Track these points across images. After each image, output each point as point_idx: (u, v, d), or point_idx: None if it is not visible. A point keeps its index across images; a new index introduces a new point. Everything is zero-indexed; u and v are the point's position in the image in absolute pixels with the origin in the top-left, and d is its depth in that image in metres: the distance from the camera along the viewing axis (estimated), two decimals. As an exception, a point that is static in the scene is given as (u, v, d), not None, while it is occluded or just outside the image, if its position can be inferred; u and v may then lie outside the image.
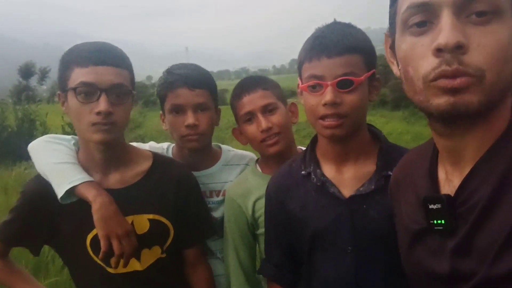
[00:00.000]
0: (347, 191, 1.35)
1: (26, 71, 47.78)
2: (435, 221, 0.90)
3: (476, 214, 0.83)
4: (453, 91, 0.78)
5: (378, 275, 1.33)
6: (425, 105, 0.84)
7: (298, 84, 1.41)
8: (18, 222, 1.57)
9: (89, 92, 1.41)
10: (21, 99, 25.51)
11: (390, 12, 0.94)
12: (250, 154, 1.98)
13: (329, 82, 1.27)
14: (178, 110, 1.77)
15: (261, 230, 1.69)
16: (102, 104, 1.40)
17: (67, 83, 1.44)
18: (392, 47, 0.96)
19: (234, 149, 2.03)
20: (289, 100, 1.86)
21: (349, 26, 1.38)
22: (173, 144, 1.97)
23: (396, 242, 1.24)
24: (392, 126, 17.96)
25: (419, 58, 0.82)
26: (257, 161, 1.87)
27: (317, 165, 1.42)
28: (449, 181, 0.92)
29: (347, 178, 1.38)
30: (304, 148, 1.77)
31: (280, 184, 1.52)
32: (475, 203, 0.84)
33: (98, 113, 1.40)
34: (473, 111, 0.79)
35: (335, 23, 1.39)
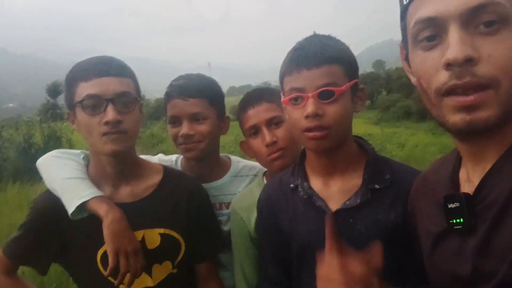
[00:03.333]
0: (334, 205, 1.33)
1: (54, 90, 49.00)
2: (454, 220, 0.91)
3: (495, 212, 0.82)
4: (468, 108, 0.79)
5: None
6: (442, 121, 0.86)
7: (282, 100, 1.39)
8: (27, 238, 1.55)
9: (95, 104, 1.42)
10: (48, 116, 26.16)
11: (401, 25, 0.96)
12: (260, 165, 1.93)
13: (310, 94, 1.25)
14: (175, 120, 1.77)
15: None
16: (109, 114, 1.41)
17: (73, 99, 1.46)
18: (407, 59, 0.97)
19: (244, 160, 2.01)
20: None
21: (328, 37, 1.36)
22: (182, 156, 1.96)
23: (385, 256, 1.20)
24: (418, 138, 17.65)
25: (430, 72, 0.84)
26: (264, 173, 1.85)
27: (305, 178, 1.41)
28: (470, 181, 0.93)
29: (334, 191, 1.36)
30: None
31: (270, 197, 1.50)
32: (494, 201, 0.84)
33: (107, 123, 1.41)
34: (491, 125, 0.80)
35: (315, 36, 1.37)
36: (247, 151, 1.81)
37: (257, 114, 1.68)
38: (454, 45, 0.78)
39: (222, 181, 1.90)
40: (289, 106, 1.32)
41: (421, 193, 1.12)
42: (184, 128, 1.74)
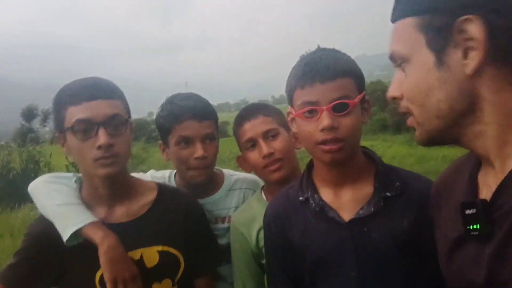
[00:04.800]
0: (346, 215, 1.33)
1: (29, 114, 48.25)
2: (471, 227, 0.91)
3: (511, 219, 0.83)
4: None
5: None
6: None
7: (289, 113, 1.42)
8: (24, 265, 1.53)
9: (86, 128, 1.42)
10: (26, 141, 25.66)
11: None
12: (253, 177, 1.95)
13: (324, 107, 1.27)
14: (187, 141, 1.76)
15: None
16: (101, 138, 1.41)
17: (63, 124, 1.45)
18: None
19: (237, 173, 2.02)
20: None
21: (335, 51, 1.39)
22: (175, 171, 1.95)
23: (400, 264, 1.28)
24: (395, 149, 17.93)
25: None
26: (262, 188, 1.84)
27: (315, 190, 1.40)
28: (488, 186, 0.93)
29: (346, 202, 1.36)
30: None
31: (278, 211, 1.49)
32: (511, 208, 0.84)
33: (99, 147, 1.41)
34: (424, 142, 0.99)
35: (321, 49, 1.39)
36: (243, 165, 1.83)
37: (253, 127, 1.70)
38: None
39: (217, 195, 1.90)
40: (301, 119, 1.33)
41: (441, 197, 1.12)
42: (200, 150, 1.74)
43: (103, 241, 1.41)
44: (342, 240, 1.31)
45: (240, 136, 1.74)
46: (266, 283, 1.74)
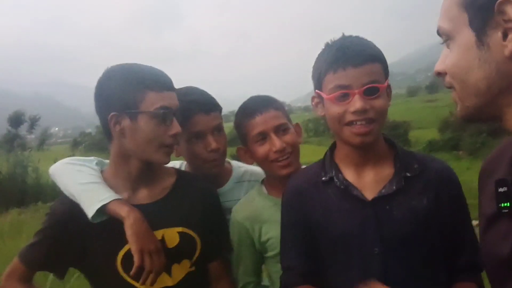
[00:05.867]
0: (369, 194, 1.40)
1: (16, 120, 47.72)
2: (502, 204, 0.93)
3: None
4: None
5: (407, 276, 1.35)
6: None
7: (314, 97, 1.50)
8: (45, 244, 1.56)
9: (166, 115, 1.50)
10: (14, 146, 25.36)
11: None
12: (261, 170, 1.91)
13: (356, 91, 1.33)
14: (198, 136, 1.78)
15: (270, 253, 1.71)
16: (177, 127, 1.53)
17: (138, 105, 1.49)
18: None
19: (244, 165, 2.00)
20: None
21: (361, 38, 1.45)
22: (185, 162, 1.96)
23: (421, 241, 1.36)
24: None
25: None
26: (262, 181, 1.85)
27: (338, 170, 1.46)
28: None
29: (368, 182, 1.43)
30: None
31: (300, 189, 1.53)
32: None
33: (173, 135, 1.53)
34: (466, 117, 1.00)
35: (350, 36, 1.45)
36: (243, 157, 1.82)
37: (266, 120, 1.69)
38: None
39: (226, 187, 1.92)
40: (332, 102, 1.38)
41: (486, 177, 1.12)
42: (213, 143, 1.76)
43: (129, 215, 1.45)
44: (365, 218, 1.38)
45: (249, 128, 1.71)
46: (268, 276, 1.82)
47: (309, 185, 1.52)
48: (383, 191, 1.39)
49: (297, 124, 1.83)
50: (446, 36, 0.96)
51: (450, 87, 0.98)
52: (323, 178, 1.47)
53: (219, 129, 1.82)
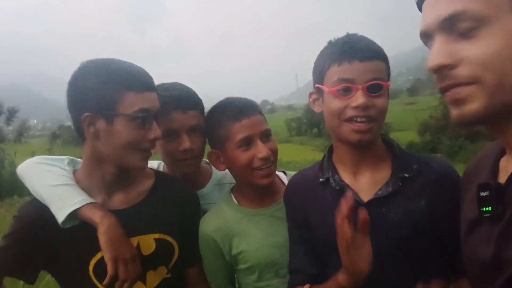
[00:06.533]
0: (365, 196, 1.37)
1: (-7, 112, 46.70)
2: (484, 208, 0.93)
3: None
4: (455, 102, 0.88)
5: (400, 279, 1.32)
6: (450, 116, 0.92)
7: (312, 93, 1.46)
8: (13, 249, 1.48)
9: (145, 118, 1.41)
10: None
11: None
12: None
13: (360, 86, 1.31)
14: (171, 134, 1.70)
15: (241, 266, 1.65)
16: (157, 131, 1.45)
17: (115, 106, 1.38)
18: None
19: None
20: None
21: (366, 36, 1.42)
22: (163, 163, 1.90)
23: (415, 244, 1.31)
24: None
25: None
26: (232, 189, 1.76)
27: (335, 172, 1.45)
28: (506, 171, 0.95)
29: (364, 183, 1.40)
30: (280, 173, 1.80)
31: (300, 188, 1.53)
32: None
33: (153, 140, 1.45)
34: (480, 117, 0.87)
35: (354, 34, 1.42)
36: (215, 162, 1.69)
37: (253, 125, 1.58)
38: (431, 55, 0.89)
39: (205, 190, 1.86)
40: (333, 96, 1.34)
41: (468, 181, 1.12)
42: (186, 142, 1.69)
43: (103, 221, 1.37)
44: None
45: (233, 132, 1.57)
46: (237, 285, 1.76)
47: (307, 186, 1.50)
48: (379, 192, 1.36)
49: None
50: (474, 21, 0.84)
51: (466, 81, 0.85)
52: (320, 179, 1.46)
53: (195, 129, 1.73)
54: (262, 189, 1.63)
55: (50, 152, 11.62)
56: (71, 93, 1.44)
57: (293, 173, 1.79)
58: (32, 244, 1.47)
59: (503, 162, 0.99)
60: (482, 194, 0.94)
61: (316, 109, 1.46)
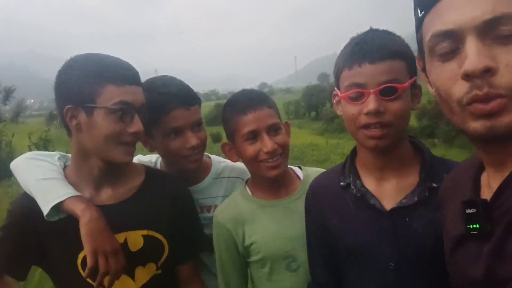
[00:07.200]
0: (388, 204, 1.29)
1: (-11, 92, 46.40)
2: (471, 226, 0.90)
3: (509, 217, 0.82)
4: (488, 115, 0.80)
5: None
6: (463, 128, 0.86)
7: (334, 95, 1.38)
8: (5, 243, 1.51)
9: (125, 111, 1.41)
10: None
11: (417, 37, 0.97)
12: (242, 165, 1.81)
13: (371, 90, 1.21)
14: (177, 132, 1.68)
15: (253, 257, 1.65)
16: (138, 125, 1.43)
17: (95, 98, 1.39)
18: (424, 70, 0.98)
19: (225, 160, 1.93)
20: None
21: (388, 32, 1.32)
22: (161, 157, 1.89)
23: (439, 257, 1.20)
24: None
25: (449, 83, 0.84)
26: (246, 182, 1.78)
27: (357, 176, 1.37)
28: (489, 187, 0.92)
29: (388, 190, 1.32)
30: (293, 168, 1.78)
31: (318, 195, 1.48)
32: (510, 207, 0.83)
33: (133, 134, 1.43)
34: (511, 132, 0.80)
35: (375, 30, 1.33)
36: (228, 153, 1.72)
37: (259, 119, 1.58)
38: (472, 56, 0.79)
39: (203, 184, 1.85)
40: (346, 102, 1.27)
41: (448, 194, 1.09)
42: (193, 139, 1.68)
43: (84, 213, 1.38)
44: (382, 230, 1.27)
45: (240, 125, 1.60)
46: (250, 279, 1.76)
47: (329, 190, 1.44)
48: (403, 201, 1.27)
49: (286, 123, 1.73)
50: None
51: (507, 92, 0.78)
52: (341, 183, 1.39)
53: (199, 123, 1.73)
54: (273, 181, 1.63)
55: (48, 134, 11.55)
56: (56, 87, 1.45)
57: (309, 168, 1.80)
58: (23, 238, 1.49)
59: (484, 178, 0.97)
60: (468, 211, 0.91)
61: (338, 112, 1.39)
